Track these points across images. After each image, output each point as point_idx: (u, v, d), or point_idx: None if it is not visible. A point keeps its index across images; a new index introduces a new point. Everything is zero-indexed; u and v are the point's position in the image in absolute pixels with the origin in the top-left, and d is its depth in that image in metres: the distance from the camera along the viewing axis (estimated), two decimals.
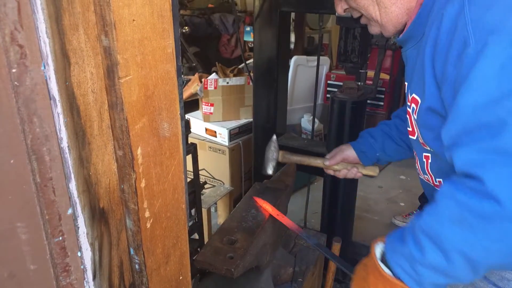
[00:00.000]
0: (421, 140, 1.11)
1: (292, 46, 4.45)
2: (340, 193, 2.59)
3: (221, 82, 3.22)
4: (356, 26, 2.26)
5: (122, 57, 0.57)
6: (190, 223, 2.33)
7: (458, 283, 1.00)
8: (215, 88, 3.23)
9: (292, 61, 4.10)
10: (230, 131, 3.21)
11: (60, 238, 0.49)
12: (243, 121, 3.35)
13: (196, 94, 3.28)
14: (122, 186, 0.63)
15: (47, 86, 0.45)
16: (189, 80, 3.36)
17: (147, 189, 0.64)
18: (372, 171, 1.62)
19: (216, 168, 3.36)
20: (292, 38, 4.42)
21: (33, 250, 0.47)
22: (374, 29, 1.18)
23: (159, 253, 0.70)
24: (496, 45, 0.79)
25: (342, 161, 1.61)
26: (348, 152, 1.59)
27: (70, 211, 0.49)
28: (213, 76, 3.26)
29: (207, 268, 1.43)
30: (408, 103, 1.13)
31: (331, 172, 1.66)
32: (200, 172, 3.50)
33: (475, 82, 0.81)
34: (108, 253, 0.63)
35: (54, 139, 0.47)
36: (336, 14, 1.24)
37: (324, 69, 4.44)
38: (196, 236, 2.40)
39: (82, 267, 0.53)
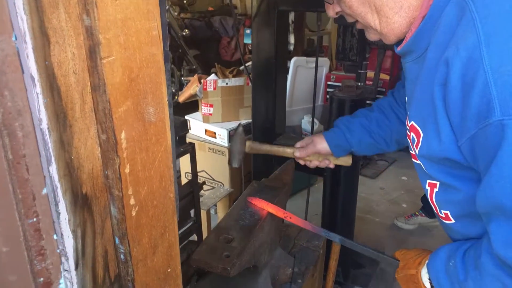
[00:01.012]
0: (425, 170, 1.02)
1: (291, 48, 4.44)
2: (340, 195, 2.57)
3: (220, 83, 3.20)
4: (353, 24, 2.25)
5: (104, 37, 0.55)
6: (189, 224, 2.31)
7: None
8: (214, 89, 3.21)
9: (292, 62, 4.09)
10: (229, 132, 3.20)
11: (35, 219, 0.47)
12: (242, 122, 3.33)
13: (195, 95, 3.26)
14: (106, 172, 0.61)
15: (19, 58, 0.43)
16: (189, 81, 3.34)
17: (132, 175, 0.62)
18: (345, 162, 1.58)
19: (216, 169, 3.34)
20: (292, 39, 4.41)
21: (5, 231, 0.45)
22: (372, 36, 1.07)
23: (145, 243, 0.68)
24: None
25: (313, 154, 1.57)
26: (320, 146, 1.53)
27: (45, 190, 0.47)
28: (212, 77, 3.25)
29: (203, 266, 1.41)
30: (408, 127, 1.04)
31: (301, 162, 1.62)
32: (200, 174, 3.49)
33: (506, 156, 0.74)
34: (91, 242, 0.61)
35: (27, 114, 0.45)
36: (328, 15, 1.15)
37: (323, 70, 4.43)
38: (195, 237, 2.38)
39: (58, 251, 0.51)
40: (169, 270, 0.74)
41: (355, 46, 2.33)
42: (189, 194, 2.27)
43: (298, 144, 1.61)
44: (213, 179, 3.36)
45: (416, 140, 0.99)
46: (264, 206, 1.58)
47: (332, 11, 1.10)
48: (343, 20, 2.23)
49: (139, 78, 0.60)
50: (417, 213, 3.35)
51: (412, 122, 1.00)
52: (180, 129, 2.15)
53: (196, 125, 3.40)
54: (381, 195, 3.86)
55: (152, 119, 0.64)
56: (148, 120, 0.63)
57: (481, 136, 0.77)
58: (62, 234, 0.55)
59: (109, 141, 0.58)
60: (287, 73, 3.91)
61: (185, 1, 6.07)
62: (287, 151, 1.64)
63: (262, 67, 2.59)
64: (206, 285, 1.69)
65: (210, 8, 5.58)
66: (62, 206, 0.55)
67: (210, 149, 3.29)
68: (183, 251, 2.11)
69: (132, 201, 0.63)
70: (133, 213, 0.64)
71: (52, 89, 0.53)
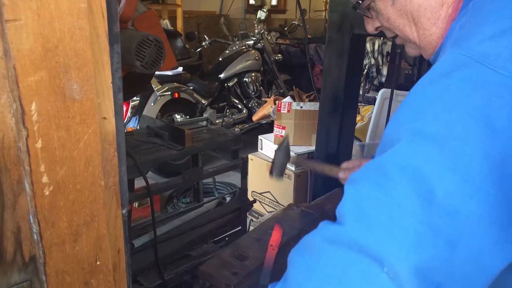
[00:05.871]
0: None
1: (383, 79, 4.26)
2: None
3: (295, 106, 3.15)
4: (394, 38, 2.07)
5: None
6: None
7: None
8: (288, 111, 3.17)
9: (379, 94, 3.90)
10: (298, 156, 3.11)
11: None
12: (314, 147, 3.23)
13: (269, 116, 3.24)
14: (19, 144, 0.59)
15: None
16: (265, 101, 3.34)
17: (46, 151, 0.60)
18: None
19: (281, 192, 3.26)
20: (384, 71, 4.23)
21: None
22: (412, 51, 1.01)
23: (63, 227, 0.64)
24: None
25: None
26: None
27: None
28: (287, 99, 3.21)
29: (208, 279, 1.34)
30: None
31: None
32: (265, 195, 3.43)
33: None
34: None
35: None
36: (368, 31, 1.08)
37: None
38: None
39: None
40: (98, 263, 0.70)
41: None
42: (235, 211, 2.21)
43: (344, 165, 1.45)
44: (277, 202, 3.28)
45: None
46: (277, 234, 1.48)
47: (371, 26, 1.05)
48: None
49: (59, 50, 0.58)
50: None
51: None
52: (233, 142, 2.13)
53: (268, 146, 3.36)
54: None
55: (76, 96, 0.61)
56: (71, 96, 0.60)
57: None
58: None
59: (17, 111, 0.56)
60: (357, 101, 3.72)
61: (286, 29, 6.18)
62: (332, 171, 1.47)
63: (331, 92, 2.49)
64: None
65: (308, 36, 5.60)
66: None
67: None
68: None
69: (45, 179, 0.60)
70: (46, 192, 0.61)
71: None
